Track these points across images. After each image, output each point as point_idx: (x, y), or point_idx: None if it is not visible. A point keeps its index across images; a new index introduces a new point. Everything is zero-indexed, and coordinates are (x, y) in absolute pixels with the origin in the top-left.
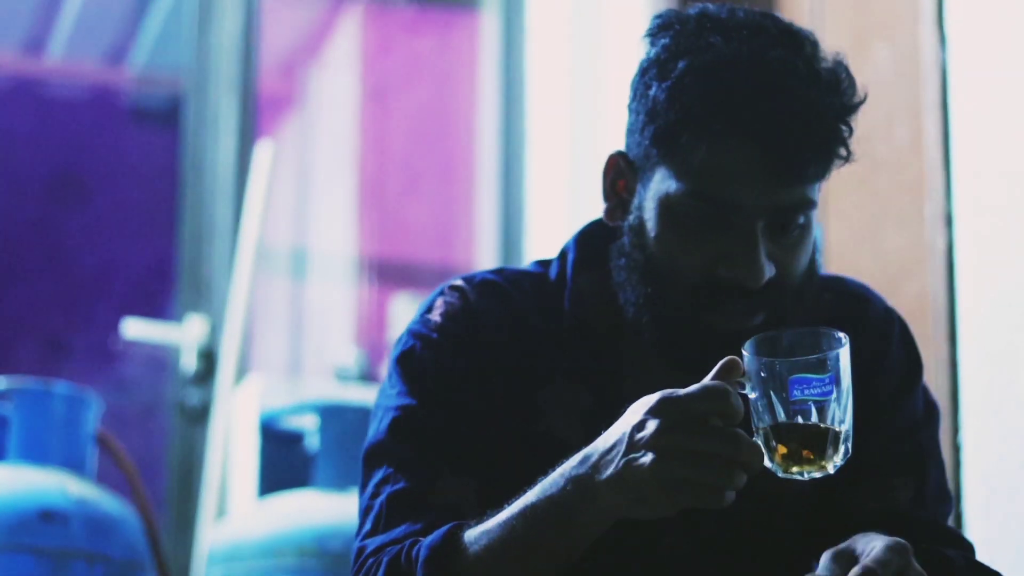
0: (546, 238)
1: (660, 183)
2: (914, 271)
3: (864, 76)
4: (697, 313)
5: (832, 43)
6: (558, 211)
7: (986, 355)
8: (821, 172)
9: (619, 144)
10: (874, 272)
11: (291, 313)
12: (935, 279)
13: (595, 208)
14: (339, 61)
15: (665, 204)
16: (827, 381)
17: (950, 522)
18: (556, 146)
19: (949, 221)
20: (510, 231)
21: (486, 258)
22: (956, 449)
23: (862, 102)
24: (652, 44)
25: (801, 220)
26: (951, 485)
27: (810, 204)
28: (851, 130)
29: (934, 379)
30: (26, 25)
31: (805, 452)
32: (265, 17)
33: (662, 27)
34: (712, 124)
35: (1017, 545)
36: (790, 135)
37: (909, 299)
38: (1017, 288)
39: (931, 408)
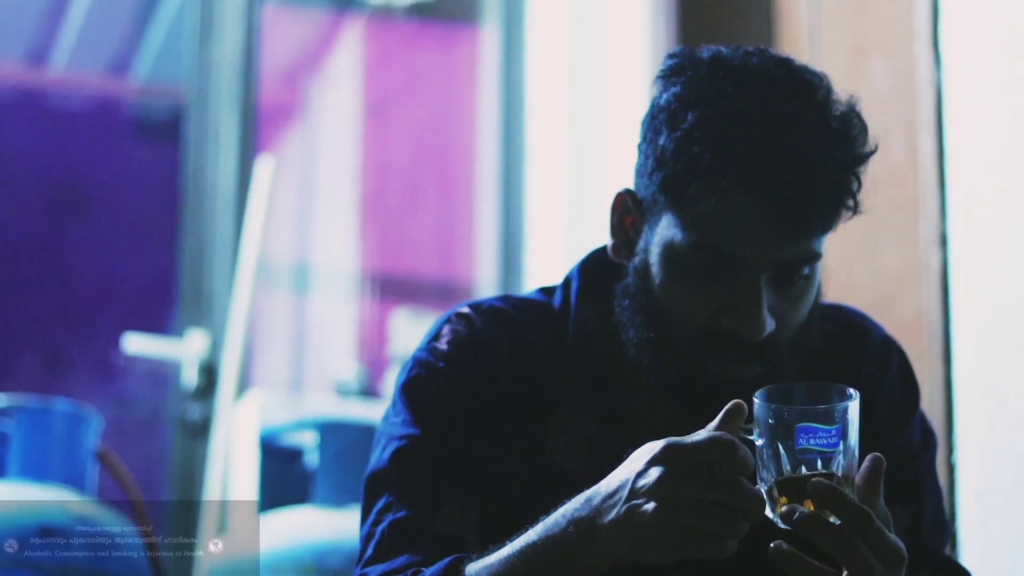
0: (546, 253)
1: (666, 229)
2: (911, 289)
3: (861, 92)
4: (697, 360)
5: (830, 59)
6: (557, 225)
7: (980, 373)
8: (828, 226)
9: (616, 157)
10: (871, 290)
11: (294, 328)
12: (930, 298)
13: (593, 222)
14: (341, 74)
15: (670, 252)
16: (833, 433)
17: (947, 550)
18: (555, 160)
19: (944, 240)
20: (510, 245)
21: (486, 273)
22: (951, 468)
23: (873, 152)
24: (664, 88)
25: (806, 271)
26: (946, 504)
27: (815, 257)
28: (860, 183)
29: (929, 398)
30: (29, 36)
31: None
32: (268, 29)
33: (674, 71)
34: (720, 178)
35: (1012, 563)
36: (798, 191)
37: (906, 317)
38: (1011, 307)
39: (929, 437)
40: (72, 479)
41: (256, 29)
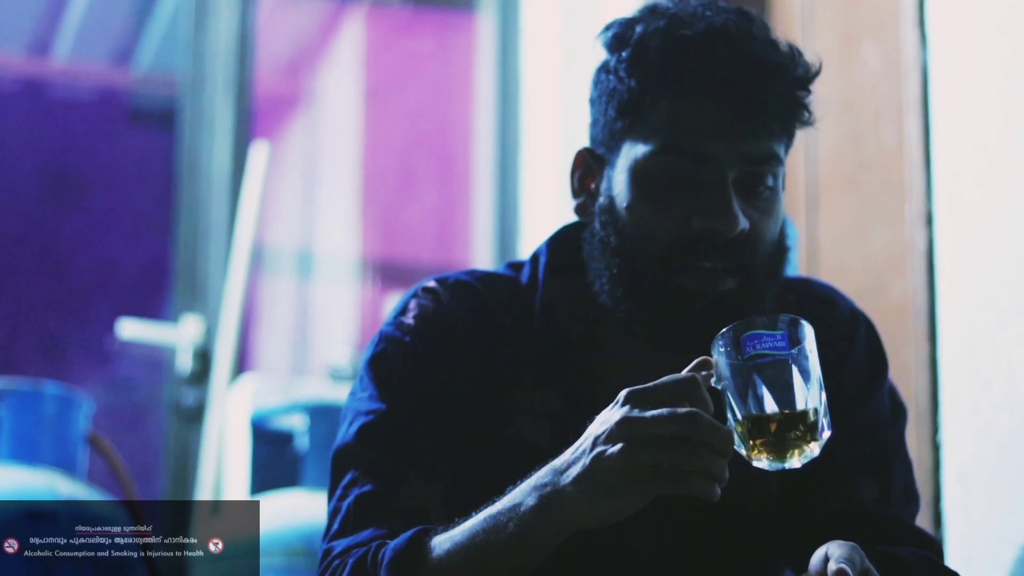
0: (541, 238)
1: (628, 153)
2: (901, 270)
3: (854, 76)
4: (668, 277)
5: (822, 42)
6: (553, 211)
7: (964, 354)
8: (785, 126)
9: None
10: (863, 271)
11: (297, 313)
12: (916, 278)
13: None
14: (342, 62)
15: (636, 170)
16: (779, 337)
17: (923, 521)
18: (551, 146)
19: (929, 221)
20: (506, 231)
21: (483, 258)
22: (935, 448)
23: (817, 72)
24: (606, 37)
25: (770, 182)
26: (930, 483)
27: (777, 160)
28: (809, 92)
29: (914, 378)
30: (32, 27)
31: (775, 440)
32: (270, 18)
33: (614, 22)
34: (674, 81)
35: (995, 543)
36: (751, 88)
37: (896, 298)
38: (995, 288)
39: (898, 408)
40: (62, 462)
41: (250, 17)
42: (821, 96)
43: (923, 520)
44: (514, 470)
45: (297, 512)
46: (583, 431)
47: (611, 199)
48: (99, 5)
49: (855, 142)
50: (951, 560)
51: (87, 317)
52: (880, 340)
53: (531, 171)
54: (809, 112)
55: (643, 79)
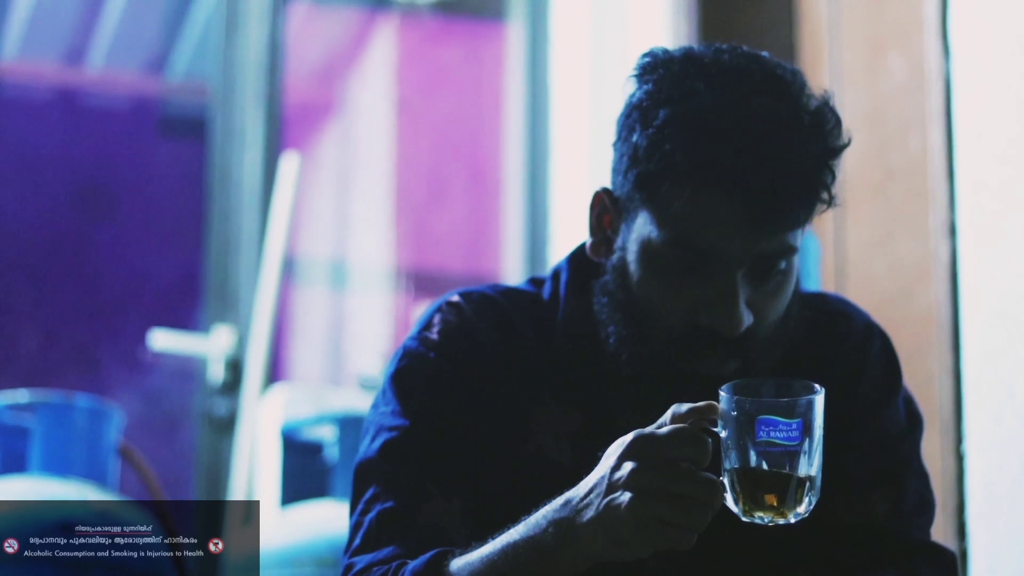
0: (571, 247)
1: (642, 227)
2: (926, 279)
3: (879, 85)
4: (672, 357)
5: (848, 53)
6: (582, 219)
7: (987, 363)
8: (802, 219)
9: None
10: (890, 280)
11: (331, 323)
12: (939, 288)
13: None
14: (373, 72)
15: (646, 249)
16: (793, 427)
17: (947, 531)
18: (580, 155)
19: (953, 230)
20: (536, 239)
21: (513, 267)
22: (959, 457)
23: (846, 145)
24: (637, 86)
25: (783, 265)
26: (954, 493)
27: (791, 250)
28: (834, 175)
29: (938, 387)
30: (67, 36)
31: (767, 499)
32: (301, 28)
33: (647, 69)
34: (692, 174)
35: (1019, 553)
36: (771, 185)
37: (922, 308)
38: (1018, 297)
39: (914, 419)
40: (94, 474)
41: (282, 26)
42: (848, 105)
43: (947, 529)
44: (535, 488)
45: (327, 522)
46: (603, 449)
47: (624, 263)
48: (132, 14)
49: (882, 151)
50: (975, 570)
51: (119, 328)
52: (895, 352)
53: (561, 180)
54: (831, 196)
55: (662, 166)
